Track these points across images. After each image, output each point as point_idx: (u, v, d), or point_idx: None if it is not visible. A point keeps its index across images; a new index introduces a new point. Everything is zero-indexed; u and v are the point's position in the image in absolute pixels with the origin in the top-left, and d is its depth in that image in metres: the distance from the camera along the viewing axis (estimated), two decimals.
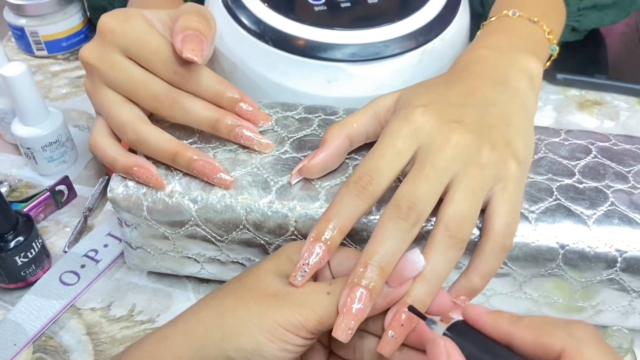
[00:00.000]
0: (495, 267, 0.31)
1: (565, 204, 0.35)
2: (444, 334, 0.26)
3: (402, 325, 0.28)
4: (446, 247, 0.29)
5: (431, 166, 0.31)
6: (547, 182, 0.36)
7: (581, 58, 0.61)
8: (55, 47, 0.67)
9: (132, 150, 0.38)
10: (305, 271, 0.29)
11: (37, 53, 0.68)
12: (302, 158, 0.38)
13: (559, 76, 0.59)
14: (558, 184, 0.36)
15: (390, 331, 0.28)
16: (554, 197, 0.35)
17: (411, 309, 0.27)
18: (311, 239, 0.30)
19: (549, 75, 0.60)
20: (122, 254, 0.45)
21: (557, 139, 0.40)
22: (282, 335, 0.28)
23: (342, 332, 0.28)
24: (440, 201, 0.31)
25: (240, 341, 0.28)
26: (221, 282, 0.43)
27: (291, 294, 0.29)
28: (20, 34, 0.66)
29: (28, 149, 0.50)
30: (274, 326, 0.28)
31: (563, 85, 0.60)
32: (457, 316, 0.30)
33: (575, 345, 0.23)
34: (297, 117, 0.42)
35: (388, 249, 0.28)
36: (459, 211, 0.30)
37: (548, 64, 0.47)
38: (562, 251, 0.34)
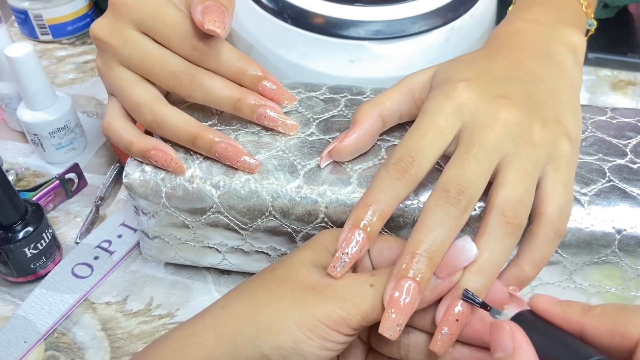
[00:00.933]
0: (549, 254, 0.29)
1: (620, 186, 0.32)
2: None
3: (457, 320, 0.26)
4: (503, 233, 0.27)
5: (480, 146, 0.28)
6: (597, 162, 0.33)
7: (613, 37, 0.58)
8: (60, 32, 0.65)
9: (148, 133, 0.36)
10: (344, 261, 0.27)
11: (42, 38, 0.65)
12: (330, 140, 0.35)
13: (591, 55, 0.57)
14: (610, 164, 0.33)
15: (444, 327, 0.26)
16: (606, 178, 0.32)
17: (467, 295, 0.25)
18: (349, 226, 0.27)
19: None
20: (137, 244, 0.42)
21: (603, 117, 0.37)
22: (321, 331, 0.25)
23: (390, 329, 0.25)
24: (489, 185, 0.28)
25: (277, 339, 0.25)
26: (243, 273, 0.40)
27: (330, 287, 0.26)
28: (23, 18, 0.64)
29: (35, 135, 0.47)
30: (313, 322, 0.25)
31: (595, 65, 0.57)
32: (513, 310, 0.28)
33: None
34: (321, 97, 0.39)
35: (437, 237, 0.26)
36: (515, 194, 0.27)
37: (585, 39, 0.44)
38: (618, 236, 0.31)
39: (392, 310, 0.25)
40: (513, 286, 0.29)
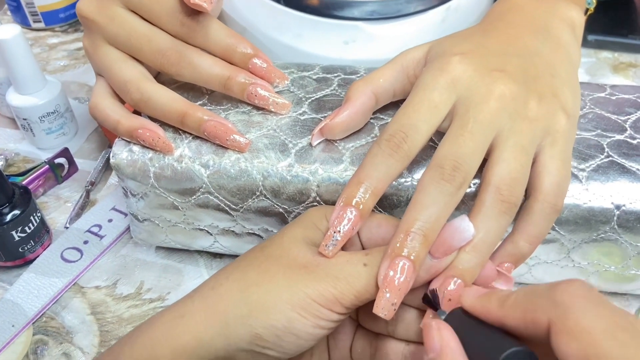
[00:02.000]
0: (545, 231, 0.28)
1: (619, 161, 0.31)
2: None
3: (450, 299, 0.25)
4: (498, 212, 0.26)
5: (474, 121, 0.27)
6: (596, 138, 0.33)
7: (613, 19, 0.57)
8: (52, 19, 0.64)
9: (136, 113, 0.35)
10: (336, 239, 0.26)
11: (34, 25, 0.64)
12: (322, 119, 0.34)
13: (590, 37, 0.56)
14: (609, 140, 0.32)
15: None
16: (605, 153, 0.32)
17: (426, 298, 0.25)
18: (341, 204, 0.27)
19: None
20: (128, 229, 0.42)
21: (602, 94, 0.36)
22: (315, 310, 0.25)
23: (384, 309, 0.24)
24: (484, 161, 0.28)
25: (269, 317, 0.24)
26: (235, 256, 0.40)
27: (323, 266, 0.26)
28: (15, 5, 0.63)
29: (25, 120, 0.47)
30: (306, 301, 0.25)
31: (595, 48, 0.56)
32: (501, 286, 0.27)
33: (560, 313, 0.19)
34: (314, 77, 0.38)
35: (431, 214, 0.25)
36: (510, 171, 0.26)
37: (585, 18, 0.43)
38: (617, 212, 0.30)
39: (387, 290, 0.25)
40: (508, 263, 0.28)
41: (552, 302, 0.20)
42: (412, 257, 0.25)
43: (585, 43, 0.56)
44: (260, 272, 0.26)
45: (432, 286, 0.26)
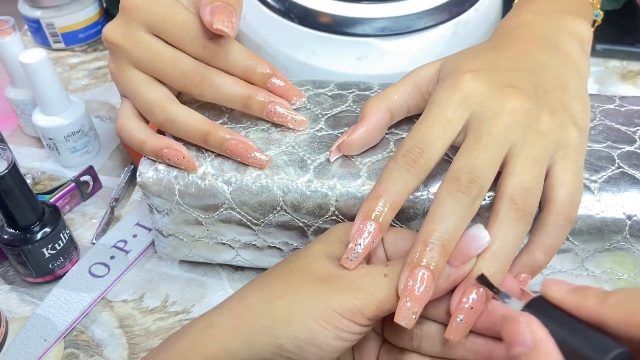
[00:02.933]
0: (560, 241, 0.29)
1: (630, 172, 0.32)
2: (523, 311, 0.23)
3: (472, 308, 0.26)
4: (513, 220, 0.27)
5: (488, 134, 0.28)
6: (606, 149, 0.33)
7: (620, 28, 0.58)
8: (72, 39, 0.66)
9: (161, 133, 0.37)
10: (357, 252, 0.27)
11: (54, 46, 0.66)
12: (339, 135, 0.36)
13: (599, 47, 0.56)
14: (619, 151, 0.33)
15: (459, 315, 0.26)
16: (616, 165, 0.32)
17: (482, 279, 0.25)
18: (361, 218, 0.28)
19: None
20: (152, 243, 0.43)
21: (611, 106, 0.37)
22: (336, 321, 0.26)
23: (405, 318, 0.25)
24: (499, 174, 0.29)
25: (292, 328, 0.26)
26: (257, 269, 0.41)
27: (345, 277, 0.27)
28: (36, 27, 0.65)
29: (50, 139, 0.48)
30: (328, 312, 0.26)
31: (603, 57, 0.57)
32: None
33: None
34: (329, 94, 0.39)
35: (449, 225, 0.26)
36: (523, 182, 0.27)
37: (592, 29, 0.44)
38: (629, 222, 0.31)
39: (407, 299, 0.25)
40: (525, 274, 0.29)
41: None
42: (431, 267, 0.25)
43: (594, 52, 0.57)
44: (284, 284, 0.27)
45: (454, 298, 0.26)
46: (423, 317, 0.28)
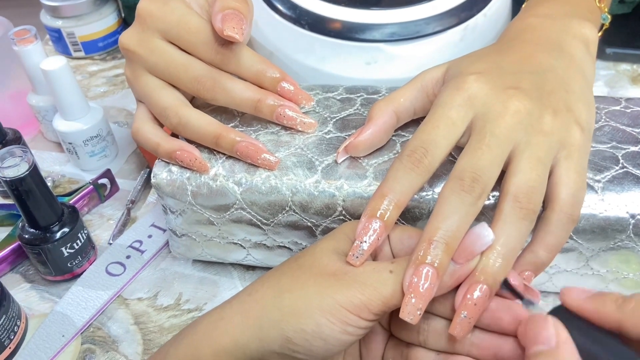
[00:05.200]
0: (563, 240, 0.29)
1: (634, 172, 0.32)
2: None
3: (476, 304, 0.26)
4: (517, 218, 0.27)
5: (491, 135, 0.29)
6: (611, 150, 0.34)
7: (630, 32, 0.58)
8: (92, 48, 0.68)
9: (174, 136, 0.38)
10: (363, 249, 0.28)
11: (75, 54, 0.68)
12: (347, 137, 0.36)
13: (609, 50, 0.57)
14: (624, 151, 0.34)
15: (462, 311, 0.26)
16: (620, 165, 0.33)
17: (505, 284, 0.25)
18: (366, 216, 0.28)
19: (598, 50, 0.57)
20: (166, 244, 0.44)
21: (617, 107, 0.37)
22: (343, 316, 0.26)
23: (410, 314, 0.26)
24: (502, 174, 0.29)
25: (300, 322, 0.26)
26: (267, 268, 0.42)
27: (351, 273, 0.27)
28: (57, 36, 0.67)
29: (70, 144, 0.50)
30: (335, 306, 0.26)
31: (613, 60, 0.57)
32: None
33: None
34: (338, 97, 0.40)
35: (453, 223, 0.27)
36: (527, 181, 0.28)
37: (600, 33, 0.44)
38: (632, 221, 0.31)
39: (412, 295, 0.26)
40: (528, 271, 0.29)
41: None
42: (435, 264, 0.26)
43: (604, 56, 0.57)
44: (292, 279, 0.28)
45: (459, 294, 0.27)
46: (429, 312, 0.29)
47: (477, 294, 0.26)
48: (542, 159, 0.29)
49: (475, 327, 0.27)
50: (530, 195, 0.28)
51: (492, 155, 0.28)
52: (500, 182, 0.29)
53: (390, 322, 0.31)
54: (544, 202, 0.29)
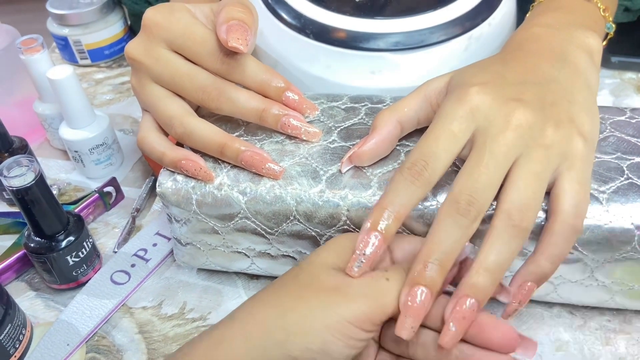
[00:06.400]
0: (566, 251, 0.29)
1: (639, 183, 0.32)
2: None
3: (464, 317, 0.27)
4: (509, 236, 0.28)
5: (490, 154, 0.29)
6: (616, 160, 0.34)
7: (636, 40, 0.58)
8: (98, 56, 0.69)
9: (179, 145, 0.38)
10: (361, 261, 0.28)
11: (81, 62, 0.69)
12: (351, 147, 0.37)
13: (614, 59, 0.56)
14: (628, 162, 0.33)
15: (451, 324, 0.27)
16: (625, 176, 0.33)
17: None
18: (366, 229, 0.29)
19: (603, 59, 0.56)
20: (171, 252, 0.45)
21: (622, 118, 0.37)
22: (348, 330, 0.27)
23: (406, 331, 0.27)
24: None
25: (305, 341, 0.26)
26: (272, 277, 0.42)
27: (352, 286, 0.28)
28: (63, 44, 0.68)
29: (76, 152, 0.50)
30: (340, 322, 0.27)
31: (618, 69, 0.57)
32: (523, 353, 0.28)
33: None
34: (343, 107, 0.40)
35: (447, 246, 0.28)
36: (522, 198, 0.28)
37: (604, 43, 0.44)
38: (638, 232, 0.31)
39: (407, 314, 0.27)
40: (530, 282, 0.29)
41: None
42: (430, 284, 0.27)
43: (609, 65, 0.57)
44: (294, 297, 0.28)
45: (448, 307, 0.27)
46: (420, 325, 0.29)
47: (465, 307, 0.27)
48: (540, 174, 0.29)
49: (462, 340, 0.28)
50: (523, 213, 0.28)
51: (489, 177, 0.29)
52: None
53: (380, 336, 0.31)
54: (547, 213, 0.29)
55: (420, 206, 0.33)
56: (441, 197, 0.33)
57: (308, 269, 0.30)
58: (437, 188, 0.33)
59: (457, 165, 0.33)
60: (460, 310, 0.27)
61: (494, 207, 0.32)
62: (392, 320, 0.28)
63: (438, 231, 0.28)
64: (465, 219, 0.28)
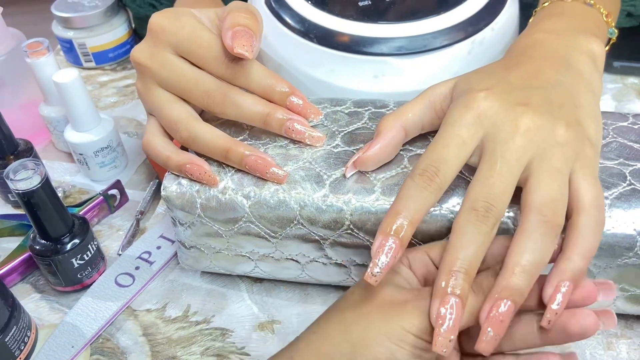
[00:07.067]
0: (595, 244, 0.28)
1: None
2: None
3: (502, 320, 0.27)
4: (542, 233, 0.27)
5: (502, 160, 0.29)
6: (618, 166, 0.34)
7: (638, 45, 0.58)
8: (102, 58, 0.69)
9: (184, 149, 0.38)
10: (380, 268, 0.28)
11: (86, 65, 0.69)
12: (355, 151, 0.37)
13: (616, 64, 0.57)
14: (631, 168, 0.34)
15: (488, 328, 0.27)
16: (627, 182, 0.33)
17: None
18: (381, 235, 0.29)
19: (606, 64, 0.56)
20: (175, 255, 0.45)
21: (625, 123, 0.37)
22: (411, 340, 0.27)
23: (443, 345, 0.27)
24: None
25: (372, 351, 0.27)
26: (275, 281, 0.42)
27: (411, 301, 0.28)
28: (68, 47, 0.68)
29: (80, 154, 0.51)
30: (402, 332, 0.27)
31: (621, 74, 0.57)
32: (605, 297, 0.28)
33: None
34: (346, 111, 0.41)
35: (470, 253, 0.28)
36: (550, 193, 0.28)
37: (607, 48, 0.45)
38: None
39: (441, 328, 0.27)
40: (567, 281, 0.28)
41: None
42: (458, 293, 0.27)
43: (612, 69, 0.57)
44: (356, 313, 0.29)
45: (484, 309, 0.27)
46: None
47: (502, 309, 0.27)
48: (561, 169, 0.29)
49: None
50: (554, 208, 0.28)
51: (504, 182, 0.29)
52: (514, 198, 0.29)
53: (460, 340, 0.32)
54: (568, 211, 0.29)
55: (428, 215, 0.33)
56: (446, 204, 0.33)
57: (369, 286, 0.30)
58: (443, 194, 0.33)
59: (461, 172, 0.33)
60: (496, 313, 0.27)
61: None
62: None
63: (459, 240, 0.28)
64: (485, 226, 0.28)
